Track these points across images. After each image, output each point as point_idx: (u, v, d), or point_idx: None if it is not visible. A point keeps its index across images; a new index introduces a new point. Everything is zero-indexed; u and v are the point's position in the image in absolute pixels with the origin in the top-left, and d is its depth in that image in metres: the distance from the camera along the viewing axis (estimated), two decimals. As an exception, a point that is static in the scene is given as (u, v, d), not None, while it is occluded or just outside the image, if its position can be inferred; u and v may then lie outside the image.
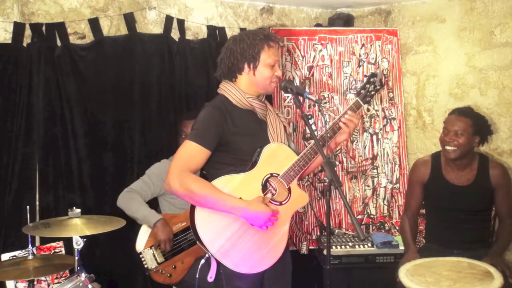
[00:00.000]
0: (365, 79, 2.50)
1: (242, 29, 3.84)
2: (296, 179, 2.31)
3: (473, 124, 2.98)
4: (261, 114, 2.36)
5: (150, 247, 3.04)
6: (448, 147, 3.00)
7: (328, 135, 2.38)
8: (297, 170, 2.28)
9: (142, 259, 3.03)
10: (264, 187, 2.26)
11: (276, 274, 2.37)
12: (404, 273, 2.54)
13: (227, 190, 2.19)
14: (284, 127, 2.44)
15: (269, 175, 2.27)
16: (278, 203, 2.28)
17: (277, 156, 2.28)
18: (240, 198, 2.20)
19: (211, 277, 2.26)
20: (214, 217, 2.18)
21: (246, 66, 2.31)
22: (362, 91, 2.47)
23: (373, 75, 2.48)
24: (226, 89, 2.36)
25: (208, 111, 2.27)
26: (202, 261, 2.30)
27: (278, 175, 2.28)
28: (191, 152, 2.18)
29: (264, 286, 2.37)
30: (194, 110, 3.49)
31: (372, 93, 2.48)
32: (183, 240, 3.11)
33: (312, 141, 2.30)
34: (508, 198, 3.05)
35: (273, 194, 2.28)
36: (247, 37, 2.32)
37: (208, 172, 2.28)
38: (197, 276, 2.29)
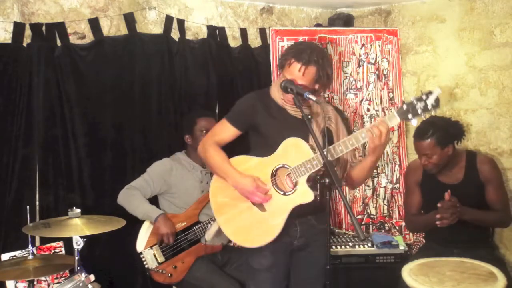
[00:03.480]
0: (417, 95, 2.22)
1: (242, 29, 3.85)
2: (306, 176, 2.31)
3: (438, 141, 2.93)
4: (292, 112, 2.42)
5: (151, 247, 3.04)
6: (425, 168, 3.06)
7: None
8: (308, 167, 2.29)
9: (143, 259, 3.03)
10: (274, 175, 2.39)
11: (303, 264, 2.52)
12: (407, 272, 2.54)
13: (240, 169, 2.42)
14: (328, 129, 2.43)
15: (281, 165, 2.38)
16: (282, 193, 2.37)
17: (294, 150, 2.34)
18: None
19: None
20: (225, 189, 2.45)
21: (279, 70, 2.48)
22: (405, 106, 2.20)
23: (429, 92, 2.17)
24: (275, 81, 2.53)
25: (246, 95, 2.55)
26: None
27: (290, 167, 2.35)
28: (220, 126, 2.53)
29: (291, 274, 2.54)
30: (207, 110, 3.53)
31: (419, 111, 2.17)
32: (183, 240, 3.11)
33: (332, 145, 2.31)
34: (499, 191, 3.06)
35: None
36: (289, 46, 2.50)
37: (250, 152, 2.51)
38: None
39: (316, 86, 2.40)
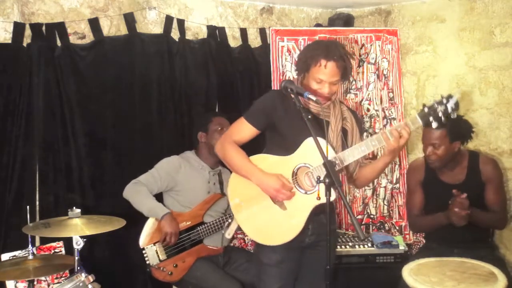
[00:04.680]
0: (437, 99, 2.26)
1: (242, 29, 3.85)
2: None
3: (449, 132, 2.95)
4: (315, 111, 2.43)
5: (154, 244, 3.05)
6: (428, 160, 3.04)
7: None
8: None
9: (145, 255, 3.04)
10: (295, 174, 2.42)
11: (312, 263, 2.53)
12: (408, 272, 2.54)
13: (260, 167, 2.42)
14: (346, 130, 2.49)
15: (303, 164, 2.41)
16: (303, 192, 2.40)
17: (316, 150, 2.31)
18: None
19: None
20: (245, 186, 2.44)
21: (299, 72, 2.52)
22: (426, 109, 2.25)
23: (449, 96, 2.23)
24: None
25: (265, 95, 2.56)
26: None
27: (311, 166, 2.38)
28: (238, 126, 2.52)
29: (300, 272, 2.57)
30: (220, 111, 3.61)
31: (440, 114, 2.22)
32: (186, 240, 3.11)
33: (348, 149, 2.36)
34: (498, 192, 3.06)
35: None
36: (309, 45, 2.52)
37: (265, 149, 2.53)
38: None
39: (338, 78, 2.42)
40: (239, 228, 2.62)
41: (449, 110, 2.21)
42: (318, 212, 2.42)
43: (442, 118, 2.22)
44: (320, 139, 2.31)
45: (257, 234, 2.49)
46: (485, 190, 3.04)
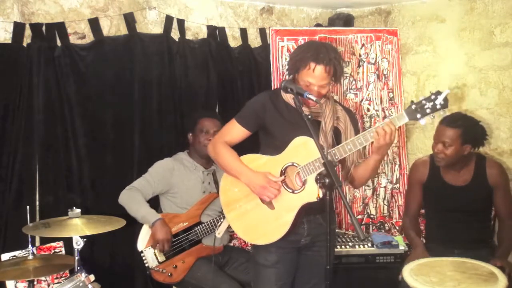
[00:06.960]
0: (426, 95, 2.23)
1: (242, 29, 3.85)
2: (315, 174, 2.31)
3: (463, 133, 2.93)
4: (307, 113, 2.38)
5: (151, 246, 3.04)
6: (435, 157, 3.02)
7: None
8: (317, 166, 2.31)
9: (143, 258, 3.04)
10: (283, 173, 2.42)
11: (309, 264, 2.53)
12: (408, 272, 2.54)
13: (250, 167, 2.44)
14: (339, 130, 2.49)
15: (290, 164, 2.40)
16: (291, 191, 2.39)
17: (303, 149, 2.35)
18: None
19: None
20: (235, 187, 2.49)
21: (289, 73, 2.50)
22: (413, 106, 2.22)
23: (438, 92, 2.20)
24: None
25: (256, 96, 2.59)
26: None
27: (299, 165, 2.37)
28: (229, 127, 2.55)
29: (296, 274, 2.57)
30: (210, 110, 3.59)
31: (428, 111, 2.20)
32: (184, 240, 3.11)
33: (341, 144, 2.34)
34: (507, 197, 3.05)
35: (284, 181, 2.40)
36: (300, 47, 2.51)
37: (260, 150, 2.55)
38: None
39: (331, 80, 2.43)
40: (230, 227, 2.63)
41: (438, 106, 2.18)
42: (312, 212, 2.42)
43: (431, 115, 2.20)
44: (304, 138, 2.33)
45: (246, 233, 2.52)
46: (494, 196, 3.04)
